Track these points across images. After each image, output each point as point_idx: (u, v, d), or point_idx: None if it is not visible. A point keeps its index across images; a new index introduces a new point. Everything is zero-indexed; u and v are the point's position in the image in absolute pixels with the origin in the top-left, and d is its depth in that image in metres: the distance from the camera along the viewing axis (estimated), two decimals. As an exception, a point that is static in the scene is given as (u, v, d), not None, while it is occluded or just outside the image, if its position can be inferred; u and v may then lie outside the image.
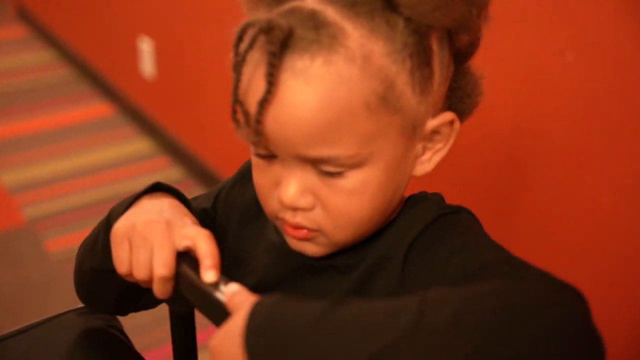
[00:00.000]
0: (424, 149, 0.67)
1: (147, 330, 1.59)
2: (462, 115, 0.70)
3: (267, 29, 0.57)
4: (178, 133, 2.49)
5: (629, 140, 1.12)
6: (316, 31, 0.58)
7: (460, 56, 0.68)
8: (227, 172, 2.24)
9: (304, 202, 0.63)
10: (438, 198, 0.71)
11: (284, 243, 0.70)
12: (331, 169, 0.61)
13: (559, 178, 1.24)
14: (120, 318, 0.86)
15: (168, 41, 2.42)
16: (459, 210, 0.68)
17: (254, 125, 0.59)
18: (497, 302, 0.49)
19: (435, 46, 0.63)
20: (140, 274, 0.62)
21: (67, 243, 2.12)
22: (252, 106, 0.59)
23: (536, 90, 1.23)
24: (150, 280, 0.62)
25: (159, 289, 0.62)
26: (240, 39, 0.59)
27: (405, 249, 0.65)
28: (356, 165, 0.62)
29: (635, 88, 1.09)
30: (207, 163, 2.35)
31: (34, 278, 1.96)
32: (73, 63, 3.19)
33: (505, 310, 0.48)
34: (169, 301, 0.68)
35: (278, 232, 0.72)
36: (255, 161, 0.67)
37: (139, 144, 2.64)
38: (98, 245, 0.71)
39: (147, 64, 2.53)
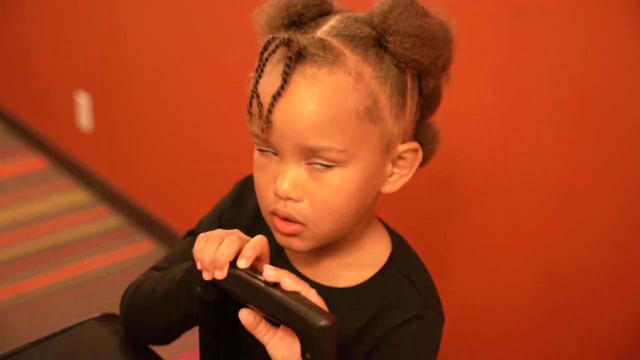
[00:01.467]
0: (392, 171, 0.83)
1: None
2: (422, 160, 0.87)
3: (287, 42, 0.74)
4: (116, 182, 2.57)
5: (542, 169, 1.32)
6: (323, 50, 0.75)
7: (426, 107, 0.86)
8: (167, 216, 2.34)
9: (295, 193, 0.78)
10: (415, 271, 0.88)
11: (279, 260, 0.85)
12: (323, 161, 0.77)
13: (481, 206, 1.42)
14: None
15: (105, 94, 2.52)
16: (429, 314, 0.85)
17: (266, 115, 0.75)
18: None
19: (409, 82, 0.81)
20: (208, 255, 0.75)
21: (5, 294, 2.15)
22: (267, 99, 0.75)
23: (458, 130, 1.42)
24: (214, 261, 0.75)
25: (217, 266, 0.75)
26: (265, 48, 0.76)
27: (386, 330, 0.83)
28: (342, 162, 0.77)
29: (548, 124, 1.29)
30: (146, 209, 2.44)
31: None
32: (3, 118, 3.22)
33: None
34: (206, 290, 0.79)
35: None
36: (257, 161, 0.81)
37: (75, 195, 2.70)
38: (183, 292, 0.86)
39: (84, 117, 2.62)
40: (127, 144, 2.49)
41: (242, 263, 0.74)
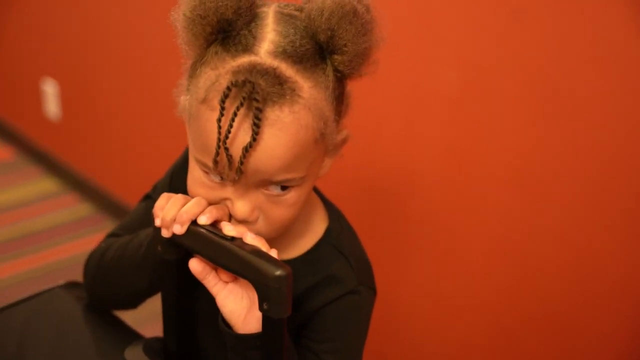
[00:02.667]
0: (326, 159, 0.85)
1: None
2: None
3: (251, 92, 0.71)
4: (85, 170, 2.56)
5: (503, 151, 1.34)
6: (280, 86, 0.73)
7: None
8: (135, 203, 2.33)
9: (253, 217, 0.79)
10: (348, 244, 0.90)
11: None
12: (285, 184, 0.77)
13: (443, 186, 1.44)
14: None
15: (72, 82, 2.51)
16: (362, 290, 0.88)
17: (238, 167, 0.73)
18: None
19: (348, 86, 0.82)
20: (171, 212, 0.77)
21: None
22: (237, 152, 0.73)
23: (420, 108, 1.44)
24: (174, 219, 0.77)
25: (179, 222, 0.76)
26: (226, 96, 0.72)
27: (320, 304, 0.86)
28: (299, 184, 0.78)
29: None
30: (116, 196, 2.43)
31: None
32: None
33: None
34: (167, 248, 0.80)
35: None
36: (201, 180, 0.79)
37: (44, 184, 2.68)
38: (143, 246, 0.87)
39: (52, 105, 2.60)
40: (95, 131, 2.48)
41: (203, 219, 0.76)
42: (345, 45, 0.75)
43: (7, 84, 2.87)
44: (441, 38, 1.38)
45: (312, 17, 0.75)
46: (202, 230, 0.76)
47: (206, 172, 0.78)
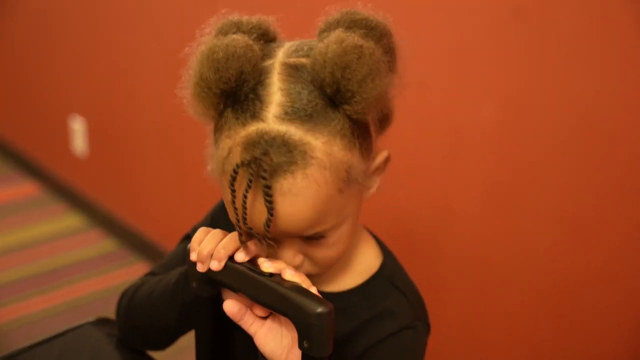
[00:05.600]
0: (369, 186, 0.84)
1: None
2: None
3: (257, 170, 0.70)
4: (110, 206, 2.58)
5: (545, 185, 1.33)
6: (290, 154, 0.71)
7: (381, 126, 0.85)
8: (161, 238, 2.34)
9: (296, 261, 0.78)
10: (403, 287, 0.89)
11: None
12: (318, 235, 0.77)
13: (480, 222, 1.44)
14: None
15: (100, 118, 2.54)
16: (419, 324, 0.87)
17: (266, 241, 0.74)
18: None
19: (370, 120, 0.78)
20: (208, 246, 0.76)
21: (1, 317, 2.15)
22: (259, 226, 0.73)
23: (457, 143, 1.44)
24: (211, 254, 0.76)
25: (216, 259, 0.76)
26: (234, 179, 0.72)
27: (375, 340, 0.84)
28: (335, 228, 0.78)
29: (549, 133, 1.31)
30: (141, 232, 2.44)
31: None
32: (-5, 146, 3.23)
33: None
34: (202, 285, 0.79)
35: None
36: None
37: (69, 220, 2.70)
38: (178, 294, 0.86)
39: (79, 142, 2.63)
40: (122, 167, 2.50)
41: (241, 256, 0.75)
42: (353, 96, 0.72)
43: (35, 121, 2.91)
44: (476, 73, 1.39)
45: (316, 69, 0.73)
46: (239, 267, 0.75)
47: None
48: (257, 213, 0.73)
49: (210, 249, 0.76)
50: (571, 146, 1.28)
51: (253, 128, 0.73)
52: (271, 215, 0.71)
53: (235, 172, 0.71)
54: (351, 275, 0.87)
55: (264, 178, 0.70)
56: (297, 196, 0.72)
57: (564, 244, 1.32)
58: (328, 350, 0.71)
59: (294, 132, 0.72)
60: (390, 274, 0.88)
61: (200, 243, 0.78)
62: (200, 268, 0.77)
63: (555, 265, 1.34)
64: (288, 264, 0.77)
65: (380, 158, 0.82)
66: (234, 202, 0.73)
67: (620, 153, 1.22)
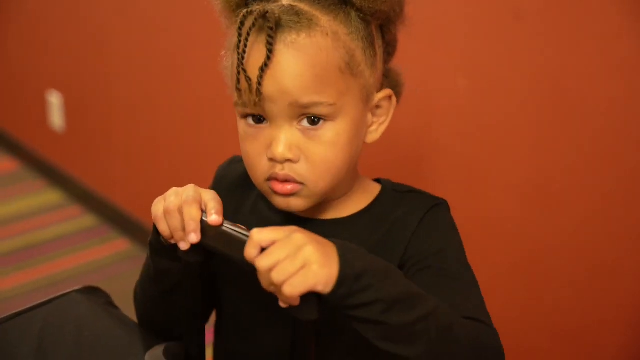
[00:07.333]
0: (372, 120, 0.88)
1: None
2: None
3: (264, 14, 0.78)
4: (89, 182, 2.56)
5: (515, 152, 1.35)
6: (297, 16, 0.79)
7: (386, 52, 0.90)
8: (141, 214, 2.34)
9: (292, 154, 0.81)
10: (398, 186, 0.92)
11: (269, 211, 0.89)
12: (314, 117, 0.80)
13: (453, 185, 1.45)
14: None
15: (77, 94, 2.52)
16: (442, 201, 0.91)
17: (256, 88, 0.78)
18: (450, 325, 0.74)
19: (375, 33, 0.86)
20: (174, 222, 0.77)
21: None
22: (254, 73, 0.78)
23: (429, 112, 1.45)
24: (182, 229, 0.77)
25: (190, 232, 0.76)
26: (242, 23, 0.78)
27: (414, 228, 0.86)
28: (332, 116, 0.81)
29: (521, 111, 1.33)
30: (120, 207, 2.44)
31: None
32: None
33: (454, 339, 0.74)
34: (190, 252, 0.79)
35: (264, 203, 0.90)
36: (245, 132, 0.84)
37: (48, 196, 2.69)
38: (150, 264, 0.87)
39: (57, 117, 2.61)
40: (99, 142, 2.48)
41: (215, 219, 0.76)
42: None
43: (12, 96, 2.88)
44: (448, 45, 1.39)
45: None
46: (222, 228, 0.75)
47: (244, 118, 0.83)
48: (255, 58, 0.78)
49: (179, 229, 0.77)
50: (539, 115, 1.29)
51: (269, 5, 0.80)
52: (268, 58, 0.77)
53: (245, 16, 0.78)
54: (356, 200, 0.90)
55: (269, 20, 0.77)
56: (298, 50, 0.78)
57: (532, 215, 1.34)
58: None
59: (303, 6, 0.80)
60: (392, 186, 0.92)
61: (166, 231, 0.79)
62: (184, 246, 0.78)
63: (524, 237, 1.37)
64: (284, 154, 0.80)
65: (383, 94, 0.87)
66: (238, 48, 0.78)
67: (589, 125, 1.24)
